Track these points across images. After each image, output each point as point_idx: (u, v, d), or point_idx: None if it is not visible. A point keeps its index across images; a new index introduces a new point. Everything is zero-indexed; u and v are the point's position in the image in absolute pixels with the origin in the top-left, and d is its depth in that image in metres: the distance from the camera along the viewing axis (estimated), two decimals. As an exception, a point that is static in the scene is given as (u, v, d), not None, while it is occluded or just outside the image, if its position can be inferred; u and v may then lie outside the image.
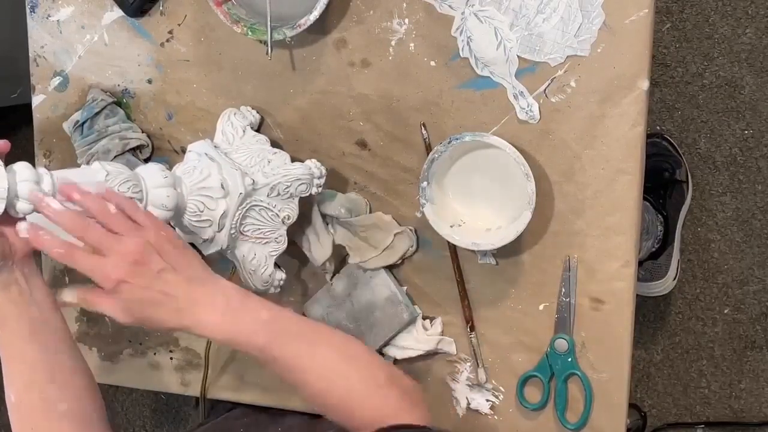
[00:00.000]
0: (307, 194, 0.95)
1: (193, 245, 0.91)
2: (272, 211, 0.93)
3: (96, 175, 0.82)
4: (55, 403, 0.77)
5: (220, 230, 0.90)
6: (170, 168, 0.92)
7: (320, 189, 0.96)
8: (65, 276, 1.17)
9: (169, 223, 0.90)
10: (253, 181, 0.90)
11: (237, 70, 1.03)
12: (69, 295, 0.81)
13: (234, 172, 0.90)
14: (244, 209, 0.91)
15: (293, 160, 0.96)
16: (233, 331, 0.75)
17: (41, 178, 0.77)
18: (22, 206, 0.76)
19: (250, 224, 0.92)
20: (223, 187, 0.89)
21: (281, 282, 0.97)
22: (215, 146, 0.95)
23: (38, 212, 0.75)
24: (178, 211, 0.88)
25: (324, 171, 0.96)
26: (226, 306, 0.75)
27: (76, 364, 0.79)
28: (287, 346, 0.75)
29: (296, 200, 0.94)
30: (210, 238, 0.91)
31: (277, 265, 0.97)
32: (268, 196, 0.92)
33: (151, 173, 0.86)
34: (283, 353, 0.75)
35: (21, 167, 0.77)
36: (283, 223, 0.94)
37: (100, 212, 0.75)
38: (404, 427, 0.72)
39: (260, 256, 0.94)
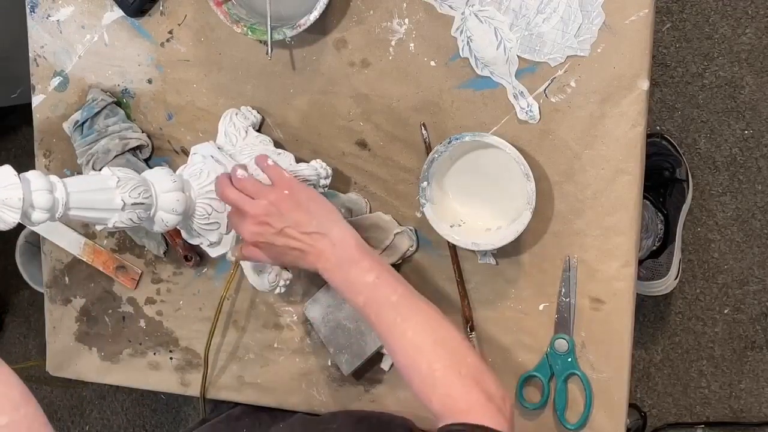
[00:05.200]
0: None
1: (196, 249, 0.90)
2: None
3: (107, 181, 0.81)
4: None
5: (227, 233, 0.90)
6: (171, 167, 0.92)
7: (326, 189, 0.96)
8: (65, 276, 1.17)
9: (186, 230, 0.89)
10: None
11: (237, 70, 1.03)
12: (232, 255, 0.93)
13: None
14: None
15: (296, 160, 0.96)
16: (341, 286, 0.83)
17: (54, 186, 0.77)
18: (37, 216, 0.76)
19: None
20: None
21: (287, 282, 0.97)
22: (219, 148, 0.94)
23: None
24: (186, 215, 0.88)
25: (330, 171, 0.96)
26: (339, 261, 0.83)
27: (5, 378, 0.77)
28: (381, 315, 0.80)
29: None
30: (217, 241, 0.91)
31: None
32: None
33: (160, 178, 0.86)
34: (377, 320, 0.80)
35: (34, 176, 0.76)
36: None
37: (235, 179, 0.87)
38: (481, 428, 0.72)
39: None
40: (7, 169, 0.75)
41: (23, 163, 1.06)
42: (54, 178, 0.77)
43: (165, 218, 0.85)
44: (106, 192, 0.80)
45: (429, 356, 0.77)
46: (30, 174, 0.76)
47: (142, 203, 0.83)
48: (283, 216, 0.84)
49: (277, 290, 0.97)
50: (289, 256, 0.85)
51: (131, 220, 0.82)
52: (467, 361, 0.76)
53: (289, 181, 0.87)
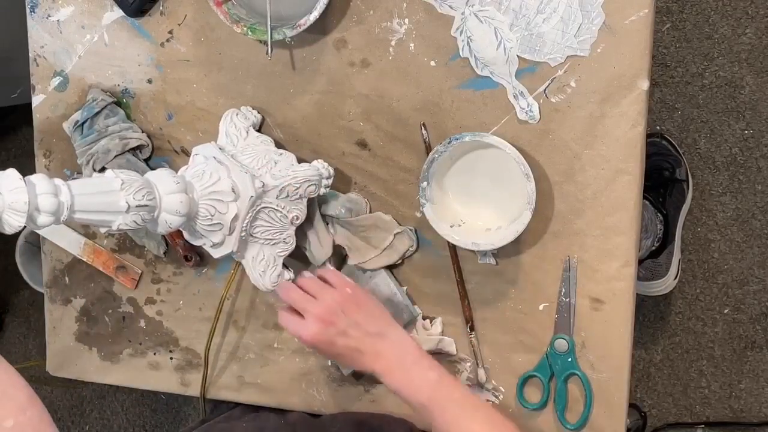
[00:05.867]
0: (316, 195, 0.95)
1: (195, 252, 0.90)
2: (281, 212, 0.92)
3: (111, 183, 0.81)
4: (0, 422, 0.76)
5: (230, 233, 0.90)
6: (171, 168, 0.92)
7: (328, 189, 0.96)
8: (65, 276, 1.17)
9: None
10: (263, 183, 0.90)
11: (237, 70, 1.03)
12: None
13: (244, 175, 0.89)
14: (254, 212, 0.90)
15: (297, 160, 0.96)
16: (402, 385, 0.85)
17: (59, 190, 0.76)
18: (42, 219, 0.75)
19: (259, 226, 0.92)
20: (233, 191, 0.89)
21: (289, 281, 0.98)
22: (221, 148, 0.94)
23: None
24: (189, 216, 0.87)
25: (332, 171, 0.96)
26: (400, 361, 0.85)
27: (11, 379, 0.77)
28: (447, 411, 0.83)
29: (304, 201, 0.94)
30: (220, 242, 0.91)
31: (284, 266, 0.97)
32: (277, 197, 0.92)
33: (163, 179, 0.86)
34: (442, 415, 0.82)
35: (39, 179, 0.75)
36: (291, 223, 0.94)
37: (300, 279, 0.91)
38: None
39: (269, 256, 0.94)
40: (13, 173, 0.75)
41: (23, 163, 1.06)
42: (59, 181, 0.77)
43: (168, 220, 0.85)
44: (110, 194, 0.80)
45: None
46: (35, 177, 0.76)
47: (146, 205, 0.82)
48: (347, 315, 0.86)
49: (278, 290, 0.97)
50: (346, 357, 0.88)
51: (135, 222, 0.82)
52: None
53: (351, 283, 0.90)
